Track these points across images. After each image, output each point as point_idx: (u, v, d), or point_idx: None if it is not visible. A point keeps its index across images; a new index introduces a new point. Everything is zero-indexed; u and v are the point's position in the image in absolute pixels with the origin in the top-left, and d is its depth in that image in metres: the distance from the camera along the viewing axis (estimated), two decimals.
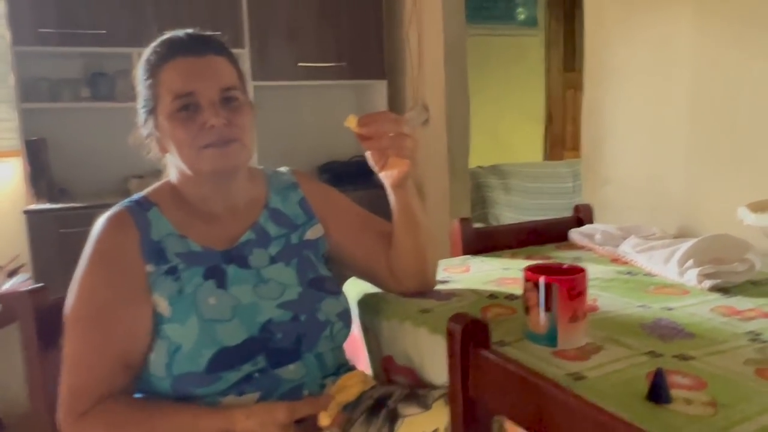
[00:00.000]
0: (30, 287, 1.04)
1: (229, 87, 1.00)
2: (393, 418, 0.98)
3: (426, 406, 0.95)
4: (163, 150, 1.04)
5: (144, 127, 1.04)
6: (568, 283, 0.86)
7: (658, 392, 0.70)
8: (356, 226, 1.18)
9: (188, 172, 1.01)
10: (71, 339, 0.95)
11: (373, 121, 0.99)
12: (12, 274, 2.60)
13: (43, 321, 1.03)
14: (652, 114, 1.77)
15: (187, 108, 0.98)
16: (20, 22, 2.57)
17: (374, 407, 1.02)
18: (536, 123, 4.96)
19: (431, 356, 1.00)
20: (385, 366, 1.14)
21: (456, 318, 0.76)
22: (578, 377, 0.78)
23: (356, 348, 1.23)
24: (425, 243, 1.12)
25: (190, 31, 1.04)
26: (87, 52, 2.78)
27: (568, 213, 1.74)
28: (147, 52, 1.03)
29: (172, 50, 1.00)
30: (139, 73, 1.03)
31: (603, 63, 1.93)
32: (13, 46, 2.58)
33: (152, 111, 1.01)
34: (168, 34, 1.03)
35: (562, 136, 4.99)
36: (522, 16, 4.77)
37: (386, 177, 1.06)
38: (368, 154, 1.03)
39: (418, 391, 1.01)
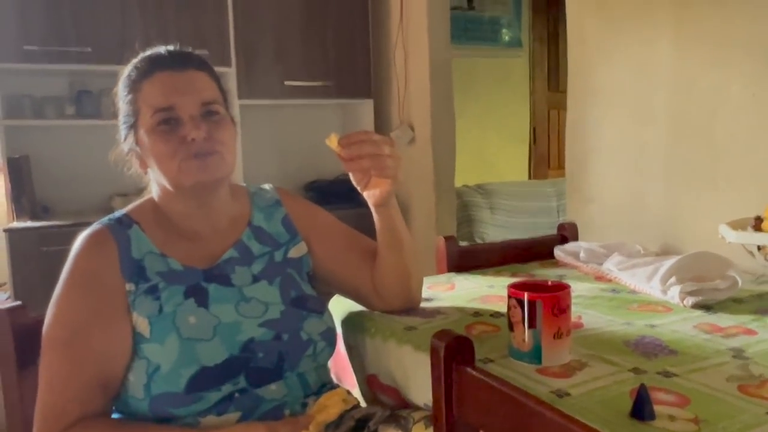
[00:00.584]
0: (9, 305, 1.02)
1: (210, 101, 1.00)
2: None
3: (406, 430, 0.94)
4: (144, 166, 1.03)
5: (125, 143, 1.04)
6: (552, 300, 0.86)
7: (641, 409, 0.70)
8: (341, 244, 1.17)
9: (169, 187, 1.01)
10: (47, 359, 0.93)
11: (353, 143, 0.99)
12: None
13: (22, 340, 1.01)
14: (633, 133, 1.80)
15: (167, 122, 0.98)
16: (5, 38, 2.56)
17: (355, 429, 1.01)
18: (521, 142, 5.00)
19: (416, 374, 0.99)
20: (370, 384, 1.13)
21: (440, 335, 0.76)
22: (562, 394, 0.78)
23: (343, 366, 1.22)
24: (409, 261, 1.12)
25: (170, 47, 1.04)
26: (72, 70, 2.77)
27: (552, 232, 1.75)
28: (128, 68, 1.03)
29: (152, 66, 1.00)
30: (120, 90, 1.03)
31: (586, 83, 1.96)
32: None
33: (132, 126, 1.01)
34: (148, 51, 1.03)
35: (547, 156, 5.04)
36: (506, 38, 4.83)
37: (369, 196, 1.06)
38: (351, 175, 1.04)
39: (399, 413, 1.00)
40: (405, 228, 1.12)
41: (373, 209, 1.08)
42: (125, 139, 1.03)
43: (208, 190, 1.02)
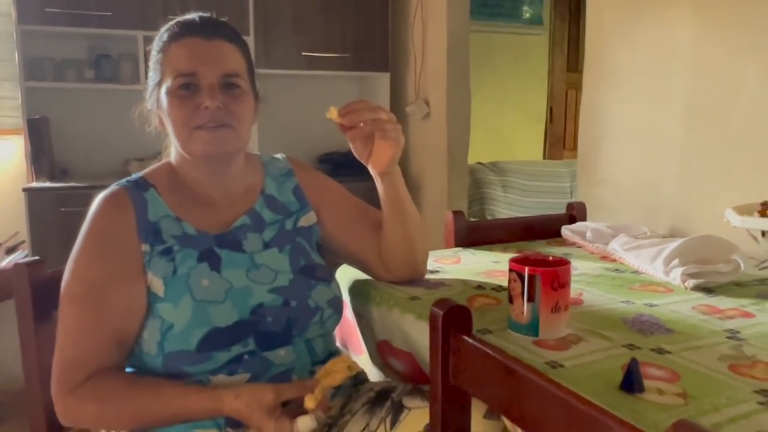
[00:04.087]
0: (27, 260, 1.06)
1: (231, 74, 1.02)
2: (398, 409, 0.99)
3: None
4: (162, 125, 1.06)
5: (149, 100, 1.07)
6: (551, 275, 0.88)
7: (630, 381, 0.72)
8: (350, 215, 1.19)
9: (182, 152, 1.04)
10: (65, 315, 0.97)
11: (351, 111, 1.04)
12: (11, 251, 2.62)
13: (40, 294, 1.05)
14: (648, 116, 1.79)
15: (187, 87, 1.00)
16: (28, 0, 2.58)
17: (377, 399, 1.04)
18: (537, 122, 4.98)
19: (420, 342, 1.02)
20: (380, 350, 1.15)
21: (439, 303, 0.78)
22: (556, 365, 0.80)
23: (350, 332, 1.25)
24: (414, 231, 1.14)
25: (205, 14, 1.06)
26: (92, 34, 2.80)
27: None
28: (163, 29, 1.06)
29: (183, 30, 1.03)
30: (153, 49, 1.06)
31: (603, 63, 1.95)
32: (18, 25, 2.60)
33: (156, 86, 1.04)
34: (184, 16, 1.06)
35: (563, 136, 5.01)
36: (527, 15, 4.77)
37: (373, 165, 1.09)
38: (353, 147, 1.07)
39: (422, 387, 1.02)
40: (409, 198, 1.14)
41: (377, 179, 1.11)
42: (150, 96, 1.06)
43: (217, 160, 1.04)
